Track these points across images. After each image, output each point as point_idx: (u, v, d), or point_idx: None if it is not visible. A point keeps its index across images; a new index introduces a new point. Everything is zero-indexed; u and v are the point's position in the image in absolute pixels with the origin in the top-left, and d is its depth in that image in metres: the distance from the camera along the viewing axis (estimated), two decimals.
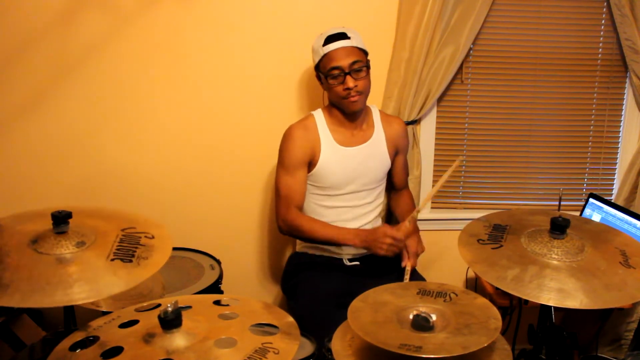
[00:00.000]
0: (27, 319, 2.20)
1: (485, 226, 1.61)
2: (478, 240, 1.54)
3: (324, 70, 2.05)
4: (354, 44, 2.04)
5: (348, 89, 2.02)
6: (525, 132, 2.66)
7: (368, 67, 2.06)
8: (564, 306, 1.34)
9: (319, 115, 2.16)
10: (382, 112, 2.27)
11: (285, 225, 2.11)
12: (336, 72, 2.02)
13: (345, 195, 2.15)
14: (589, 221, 1.72)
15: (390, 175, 2.30)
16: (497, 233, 1.57)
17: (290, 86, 2.45)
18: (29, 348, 1.91)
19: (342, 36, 2.03)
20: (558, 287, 1.36)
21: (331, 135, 2.13)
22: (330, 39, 2.03)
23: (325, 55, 2.03)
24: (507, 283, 1.38)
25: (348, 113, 2.11)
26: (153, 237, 1.43)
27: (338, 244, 2.11)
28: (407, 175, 2.40)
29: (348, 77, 2.01)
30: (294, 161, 2.10)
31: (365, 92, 2.08)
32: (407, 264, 2.06)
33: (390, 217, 2.50)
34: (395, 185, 2.34)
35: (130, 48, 2.35)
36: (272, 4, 2.37)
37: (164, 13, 2.33)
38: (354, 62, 2.01)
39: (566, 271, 1.40)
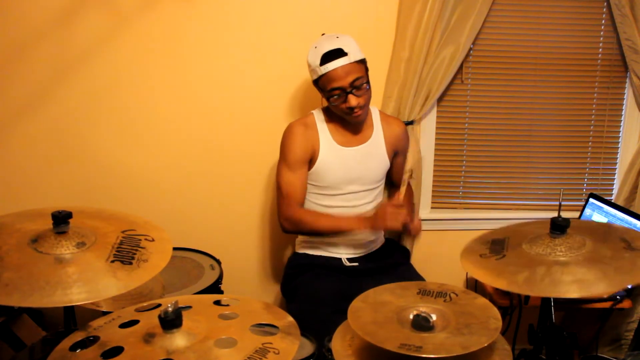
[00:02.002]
0: (27, 319, 2.19)
1: (483, 243, 1.61)
2: (480, 256, 1.54)
3: (324, 89, 2.02)
4: (352, 60, 1.98)
5: (351, 107, 2.01)
6: (525, 132, 2.66)
7: (368, 81, 2.03)
8: (587, 295, 1.35)
9: (319, 115, 2.16)
10: (382, 113, 2.26)
11: (287, 222, 2.10)
12: (337, 92, 1.99)
13: (345, 195, 2.15)
14: (586, 222, 1.73)
15: (389, 174, 2.29)
16: (497, 247, 1.56)
17: (290, 86, 2.45)
18: (29, 348, 1.91)
19: (339, 53, 1.96)
20: (572, 279, 1.36)
21: (330, 134, 2.13)
22: (327, 57, 1.97)
23: (324, 75, 1.99)
24: (520, 286, 1.38)
25: (351, 123, 2.12)
26: (153, 240, 1.43)
27: (343, 233, 2.08)
28: None
29: (350, 96, 1.99)
30: (296, 157, 2.09)
31: (367, 104, 2.07)
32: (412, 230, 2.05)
33: None
34: (395, 183, 2.34)
35: (130, 48, 2.35)
36: (272, 3, 2.37)
37: (163, 13, 2.33)
38: (354, 80, 1.98)
39: (575, 264, 1.40)
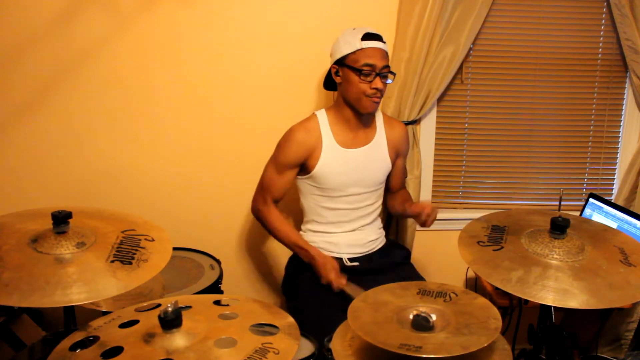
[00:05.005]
0: (27, 319, 2.19)
1: (483, 227, 1.61)
2: (478, 242, 1.54)
3: (354, 64, 2.03)
4: (387, 49, 2.07)
5: (376, 89, 2.03)
6: (525, 132, 2.66)
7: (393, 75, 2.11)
8: (568, 307, 1.34)
9: (322, 116, 2.15)
10: (385, 115, 2.26)
11: (255, 211, 2.23)
12: (368, 69, 2.01)
13: (347, 197, 2.15)
14: (586, 220, 1.73)
15: (387, 177, 2.29)
16: (496, 234, 1.56)
17: (290, 87, 2.45)
18: (29, 348, 1.91)
19: (379, 38, 2.05)
20: (563, 288, 1.36)
21: (333, 136, 2.12)
22: (370, 36, 2.03)
23: (361, 49, 2.02)
24: (513, 285, 1.38)
25: (362, 113, 2.10)
26: (153, 240, 1.43)
27: (293, 250, 2.20)
28: (405, 177, 2.40)
29: (378, 79, 2.03)
30: (286, 162, 2.11)
31: (382, 97, 2.11)
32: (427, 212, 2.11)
33: (389, 219, 2.50)
34: (392, 188, 2.33)
35: (130, 48, 2.35)
36: (272, 3, 2.37)
37: (163, 13, 2.32)
38: (385, 66, 2.04)
39: (569, 271, 1.40)
